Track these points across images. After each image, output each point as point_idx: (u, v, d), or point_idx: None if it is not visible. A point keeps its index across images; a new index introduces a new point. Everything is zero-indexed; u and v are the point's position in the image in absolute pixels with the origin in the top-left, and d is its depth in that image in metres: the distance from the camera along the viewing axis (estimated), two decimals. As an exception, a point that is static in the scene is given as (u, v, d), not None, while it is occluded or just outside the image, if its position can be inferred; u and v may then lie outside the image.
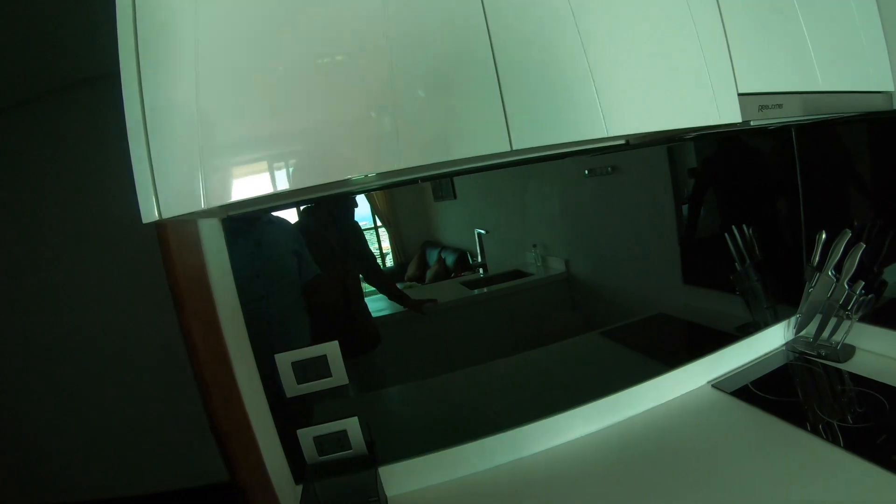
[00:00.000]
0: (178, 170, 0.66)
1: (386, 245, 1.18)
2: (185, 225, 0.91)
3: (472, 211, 1.24)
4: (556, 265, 1.32)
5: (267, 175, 0.70)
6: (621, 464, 1.12)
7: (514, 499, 1.06)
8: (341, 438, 1.01)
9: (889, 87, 1.31)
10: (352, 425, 1.02)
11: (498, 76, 0.79)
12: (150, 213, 0.65)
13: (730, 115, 1.00)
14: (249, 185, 0.69)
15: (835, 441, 1.08)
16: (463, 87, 0.77)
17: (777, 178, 1.64)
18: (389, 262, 1.20)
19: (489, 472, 1.15)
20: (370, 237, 1.15)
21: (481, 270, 1.25)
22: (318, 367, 1.00)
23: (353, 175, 0.72)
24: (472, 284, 1.25)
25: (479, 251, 1.25)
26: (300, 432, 0.99)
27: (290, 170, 0.71)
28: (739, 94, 1.00)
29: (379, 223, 1.16)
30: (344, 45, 0.72)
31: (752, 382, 1.39)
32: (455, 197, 1.20)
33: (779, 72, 1.08)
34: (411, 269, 1.20)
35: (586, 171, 1.32)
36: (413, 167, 0.74)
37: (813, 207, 1.61)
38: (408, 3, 0.74)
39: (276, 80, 0.69)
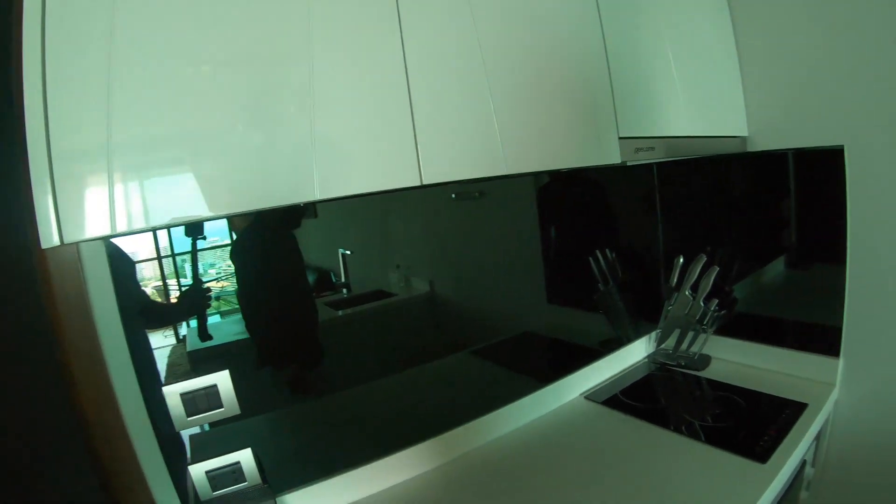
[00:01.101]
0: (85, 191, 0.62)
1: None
2: (64, 249, 0.84)
3: (335, 230, 1.20)
4: (420, 285, 1.33)
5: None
6: (509, 474, 1.21)
7: None
8: (235, 471, 0.98)
9: (744, 133, 1.54)
10: (245, 457, 1.00)
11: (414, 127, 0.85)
12: (48, 237, 0.60)
13: (612, 156, 1.13)
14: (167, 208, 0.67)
15: (697, 437, 1.27)
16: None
17: (639, 208, 1.84)
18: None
19: (383, 494, 1.18)
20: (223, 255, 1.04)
21: (345, 290, 1.22)
22: (208, 399, 0.96)
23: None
24: (336, 305, 1.22)
25: (342, 271, 1.21)
26: (192, 468, 0.95)
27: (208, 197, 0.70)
28: (620, 138, 1.14)
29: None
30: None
31: (620, 392, 1.55)
32: (316, 216, 1.15)
33: (651, 119, 1.23)
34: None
35: (453, 195, 1.35)
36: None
37: (670, 235, 1.83)
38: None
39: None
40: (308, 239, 1.12)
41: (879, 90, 1.31)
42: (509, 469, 1.23)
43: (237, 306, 1.05)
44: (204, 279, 1.02)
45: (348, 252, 1.20)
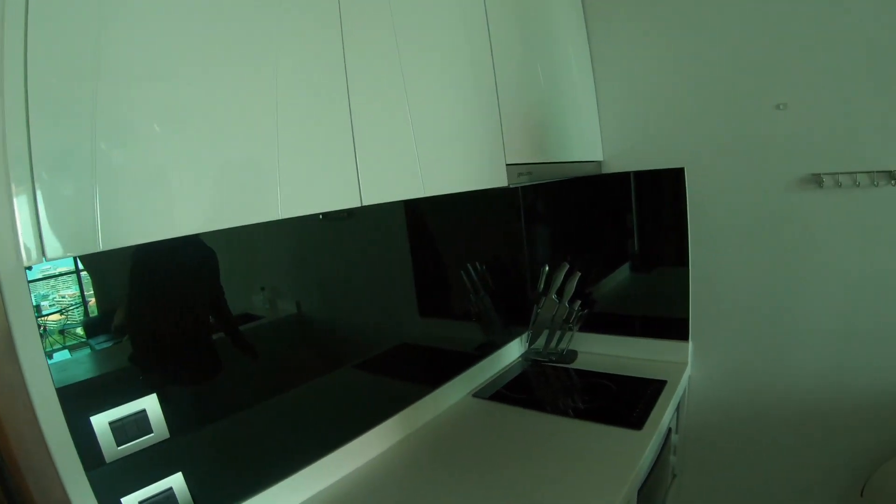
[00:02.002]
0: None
1: (74, 292, 0.91)
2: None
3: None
4: (287, 307, 1.31)
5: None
6: (415, 472, 1.33)
7: None
8: (169, 498, 0.99)
9: (599, 157, 1.83)
10: (177, 482, 1.00)
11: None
12: (30, 255, 0.61)
13: (501, 180, 1.31)
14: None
15: (579, 417, 1.52)
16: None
17: (504, 225, 2.06)
18: (78, 314, 0.94)
19: (315, 498, 1.25)
20: (70, 281, 0.90)
21: (212, 317, 1.15)
22: (138, 425, 0.96)
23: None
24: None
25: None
26: (125, 500, 0.93)
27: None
28: (507, 164, 1.33)
29: (81, 266, 0.92)
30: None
31: (503, 387, 1.74)
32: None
33: (531, 149, 1.44)
34: (118, 318, 0.97)
35: (321, 216, 1.34)
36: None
37: (535, 246, 2.09)
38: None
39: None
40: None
41: (712, 122, 1.65)
42: (415, 468, 1.34)
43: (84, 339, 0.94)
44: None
45: None
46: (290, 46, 0.86)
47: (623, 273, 1.95)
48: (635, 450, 1.30)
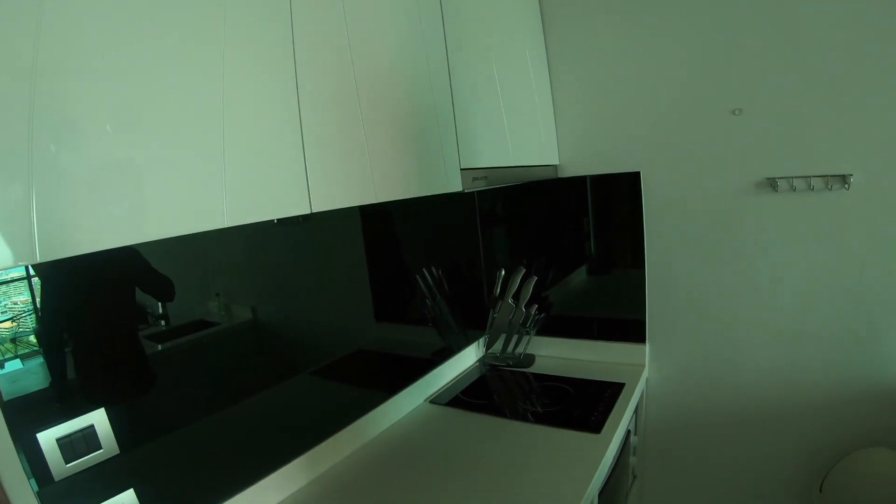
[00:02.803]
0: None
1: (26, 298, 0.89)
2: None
3: (149, 258, 1.10)
4: (243, 313, 1.31)
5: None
6: (374, 480, 1.34)
7: None
8: None
9: (556, 161, 1.87)
10: (129, 498, 0.99)
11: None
12: None
13: (456, 184, 1.34)
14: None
15: (537, 421, 1.55)
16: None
17: (461, 229, 2.09)
18: (31, 321, 0.91)
19: None
20: (22, 287, 0.88)
21: (163, 322, 1.14)
22: (87, 441, 0.95)
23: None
24: (155, 338, 1.13)
25: (159, 302, 1.14)
26: None
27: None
28: (462, 169, 1.36)
29: (33, 273, 0.90)
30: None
31: (460, 393, 1.76)
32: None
33: (486, 153, 1.47)
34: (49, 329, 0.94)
35: (275, 220, 1.28)
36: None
37: (491, 250, 2.13)
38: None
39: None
40: None
41: (668, 127, 1.71)
42: (372, 479, 1.35)
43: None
44: None
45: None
46: (238, 51, 0.86)
47: (580, 276, 2.00)
48: (595, 454, 1.34)
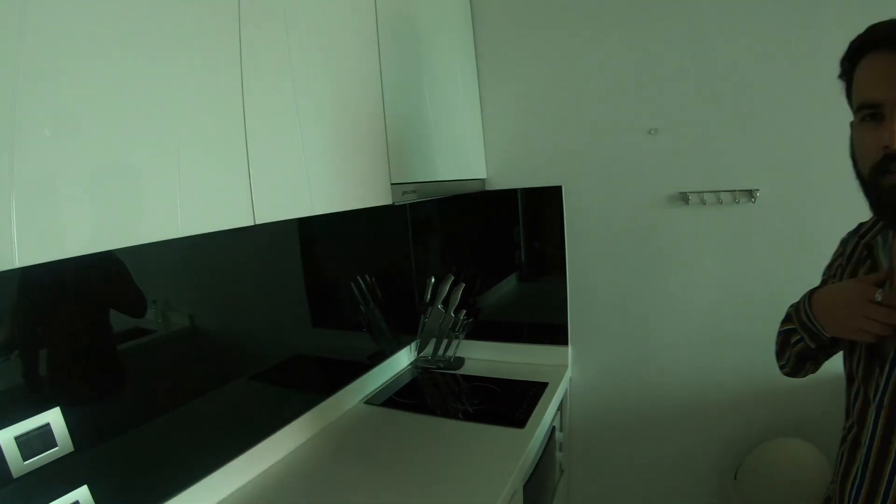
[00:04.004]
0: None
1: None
2: None
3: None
4: (180, 320, 1.36)
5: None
6: (311, 476, 1.43)
7: None
8: None
9: (483, 175, 2.04)
10: (83, 495, 1.06)
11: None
12: None
13: (386, 197, 1.47)
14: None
15: (466, 419, 1.70)
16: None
17: (393, 239, 2.23)
18: None
19: None
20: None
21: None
22: (43, 439, 1.01)
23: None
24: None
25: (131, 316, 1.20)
26: None
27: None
28: (392, 184, 1.49)
29: None
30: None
31: (395, 394, 1.90)
32: None
33: (415, 167, 1.61)
34: (2, 334, 0.99)
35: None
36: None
37: (422, 259, 2.27)
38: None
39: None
40: None
41: (589, 144, 1.89)
42: (309, 475, 1.45)
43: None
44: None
45: None
46: (189, 63, 0.92)
47: (508, 283, 2.18)
48: (519, 446, 1.49)
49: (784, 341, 1.11)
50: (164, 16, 0.87)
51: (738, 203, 1.73)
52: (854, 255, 1.00)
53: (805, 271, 1.63)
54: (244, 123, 1.04)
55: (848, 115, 1.50)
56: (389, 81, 1.49)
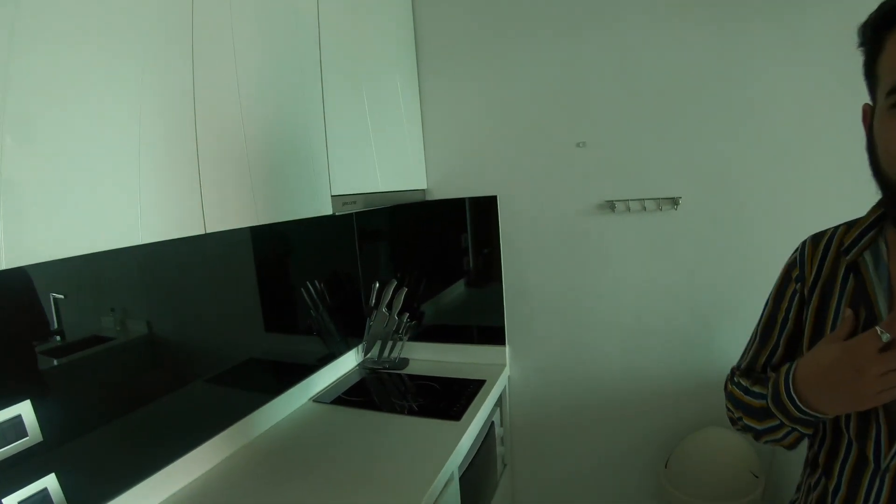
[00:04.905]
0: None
1: None
2: None
3: (40, 275, 1.17)
4: (138, 327, 1.43)
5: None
6: (263, 468, 1.54)
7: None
8: (45, 498, 1.11)
9: (424, 186, 2.19)
10: (51, 482, 1.15)
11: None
12: None
13: (326, 208, 1.58)
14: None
15: (407, 413, 1.84)
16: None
17: (341, 246, 2.36)
18: None
19: (178, 493, 1.44)
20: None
21: (59, 338, 1.23)
22: (15, 429, 1.09)
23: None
24: (51, 353, 1.22)
25: (55, 317, 1.21)
26: (5, 500, 1.04)
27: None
28: (332, 196, 1.61)
29: None
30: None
31: (343, 393, 2.03)
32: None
33: (355, 180, 1.73)
34: None
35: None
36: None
37: (368, 265, 2.41)
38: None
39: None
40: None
41: (522, 156, 2.05)
42: (257, 467, 1.56)
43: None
44: None
45: (61, 296, 1.22)
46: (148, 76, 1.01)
47: (447, 287, 2.33)
48: (454, 437, 1.63)
49: (760, 433, 0.90)
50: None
51: (661, 210, 1.88)
52: (825, 271, 0.84)
53: (725, 270, 1.85)
54: (197, 152, 1.14)
55: (769, 123, 1.69)
56: (330, 100, 1.61)
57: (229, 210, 1.24)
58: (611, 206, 1.96)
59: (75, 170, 0.89)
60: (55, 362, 1.26)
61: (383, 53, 2.00)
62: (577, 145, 1.97)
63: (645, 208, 1.91)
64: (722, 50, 1.75)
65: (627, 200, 1.93)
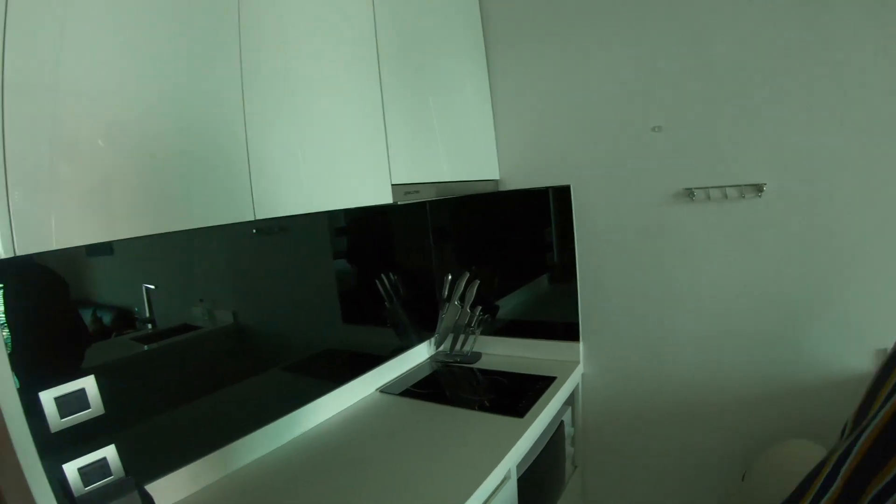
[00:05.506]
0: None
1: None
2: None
3: (133, 267, 1.32)
4: (225, 317, 1.53)
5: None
6: (318, 456, 1.56)
7: (261, 486, 1.42)
8: (103, 466, 1.20)
9: (496, 176, 2.16)
10: (111, 453, 1.22)
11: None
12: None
13: (386, 198, 1.60)
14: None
15: (473, 408, 1.79)
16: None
17: (414, 237, 2.37)
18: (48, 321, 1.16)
19: (232, 475, 1.48)
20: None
21: (150, 326, 1.35)
22: (78, 401, 1.18)
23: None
24: (142, 340, 1.34)
25: (147, 306, 1.34)
26: (66, 466, 1.11)
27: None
28: (393, 184, 1.62)
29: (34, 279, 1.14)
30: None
31: (412, 385, 2.03)
32: (112, 252, 1.27)
33: (419, 168, 1.73)
34: (72, 329, 1.21)
35: (254, 231, 1.60)
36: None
37: (441, 257, 2.41)
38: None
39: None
40: (101, 276, 1.26)
41: (596, 144, 1.97)
42: (328, 451, 1.58)
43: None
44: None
45: (152, 287, 1.34)
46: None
47: (520, 280, 2.29)
48: (514, 434, 1.58)
49: None
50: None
51: (744, 198, 1.74)
52: None
53: (814, 267, 1.67)
54: (245, 125, 1.20)
55: (860, 106, 1.52)
56: (389, 86, 1.62)
57: (280, 197, 1.28)
58: (689, 194, 1.83)
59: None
60: (145, 347, 1.36)
61: (447, 39, 1.98)
62: (653, 129, 1.86)
63: (726, 196, 1.77)
64: (812, 22, 1.60)
65: (707, 188, 1.80)
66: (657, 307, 1.97)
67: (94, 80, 0.93)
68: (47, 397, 1.13)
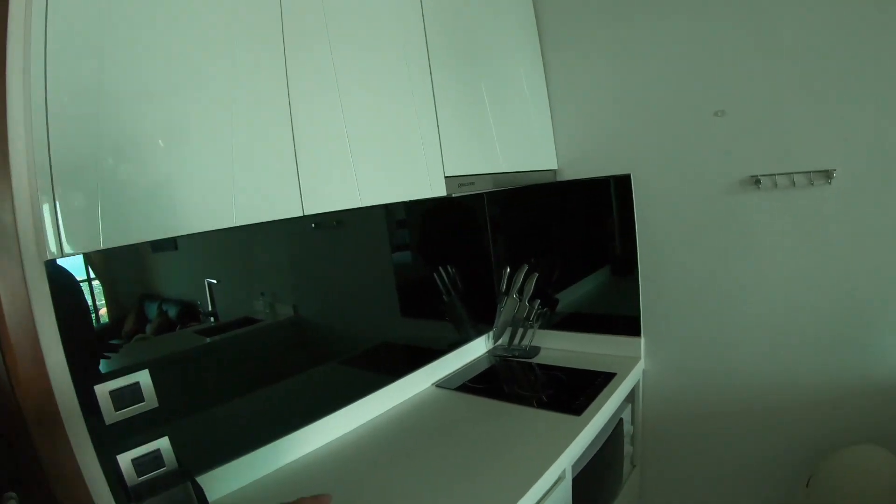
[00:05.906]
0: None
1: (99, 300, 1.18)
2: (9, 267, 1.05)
3: (196, 262, 1.37)
4: (285, 310, 1.56)
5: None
6: (371, 450, 1.56)
7: (314, 479, 1.42)
8: (157, 458, 1.23)
9: (554, 166, 2.10)
10: (164, 444, 1.25)
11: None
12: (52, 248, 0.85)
13: (440, 190, 1.57)
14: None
15: (531, 405, 1.76)
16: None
17: (472, 230, 2.33)
18: (103, 317, 1.21)
19: (285, 468, 1.48)
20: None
21: (212, 319, 1.39)
22: (133, 394, 1.21)
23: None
24: (205, 332, 1.38)
25: (209, 300, 1.38)
26: (120, 457, 1.13)
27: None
28: (446, 177, 1.58)
29: (93, 275, 1.18)
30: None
31: (468, 380, 2.00)
32: (176, 248, 1.31)
33: (473, 159, 1.70)
34: (128, 324, 1.24)
35: (313, 225, 1.62)
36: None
37: (499, 249, 2.36)
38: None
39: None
40: (167, 272, 1.31)
41: (656, 131, 1.88)
42: (382, 445, 1.58)
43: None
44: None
45: (214, 281, 1.38)
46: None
47: (581, 272, 2.21)
48: (570, 433, 1.53)
49: None
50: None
51: (813, 185, 1.62)
52: None
53: (888, 258, 1.54)
54: (291, 121, 1.20)
55: None
56: (440, 77, 1.60)
57: (329, 193, 1.28)
58: (755, 181, 1.71)
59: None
60: (207, 340, 1.39)
61: (497, 28, 1.94)
62: (715, 114, 1.76)
63: (794, 183, 1.65)
64: (881, 9, 1.47)
65: (773, 175, 1.68)
66: (720, 302, 1.87)
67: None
68: (102, 391, 1.15)
